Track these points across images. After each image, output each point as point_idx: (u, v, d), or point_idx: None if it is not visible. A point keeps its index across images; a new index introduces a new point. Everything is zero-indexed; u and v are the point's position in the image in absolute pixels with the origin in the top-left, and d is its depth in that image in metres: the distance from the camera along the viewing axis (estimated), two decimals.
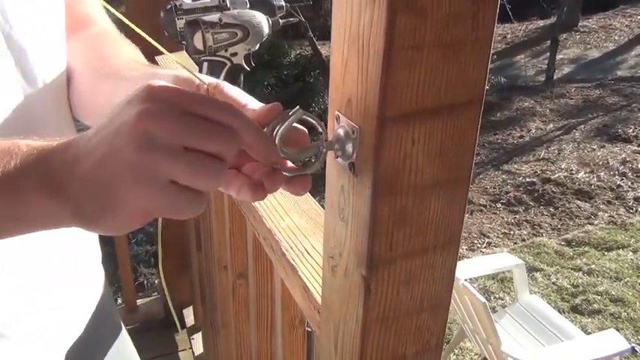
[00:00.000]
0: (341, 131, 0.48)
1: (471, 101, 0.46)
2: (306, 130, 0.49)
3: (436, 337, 0.56)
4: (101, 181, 0.40)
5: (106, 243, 1.10)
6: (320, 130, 0.49)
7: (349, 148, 0.47)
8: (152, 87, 0.41)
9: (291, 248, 0.73)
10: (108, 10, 0.73)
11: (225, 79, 0.92)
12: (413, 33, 0.40)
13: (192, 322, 2.09)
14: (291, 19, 1.07)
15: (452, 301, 2.73)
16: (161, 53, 0.65)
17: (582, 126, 7.11)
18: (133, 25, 0.62)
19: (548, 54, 9.27)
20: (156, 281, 4.48)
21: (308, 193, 0.90)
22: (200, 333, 2.02)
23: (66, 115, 0.70)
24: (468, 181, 0.49)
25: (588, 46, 10.51)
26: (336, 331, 0.57)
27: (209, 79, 0.58)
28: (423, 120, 0.44)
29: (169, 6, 0.99)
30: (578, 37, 10.97)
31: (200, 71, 1.00)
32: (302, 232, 0.77)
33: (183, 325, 2.08)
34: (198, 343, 2.02)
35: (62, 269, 0.69)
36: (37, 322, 0.66)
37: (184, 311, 2.12)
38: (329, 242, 0.55)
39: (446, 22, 0.41)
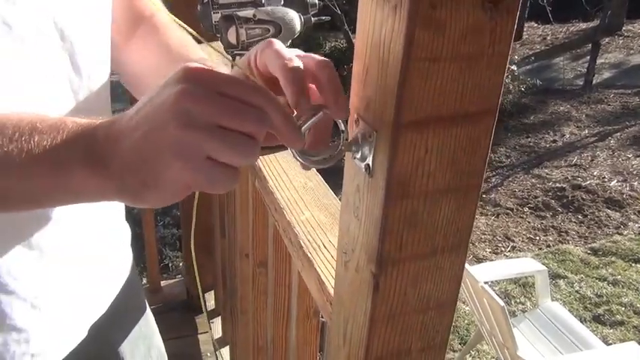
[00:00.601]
0: (359, 134, 0.50)
1: (486, 112, 0.47)
2: (331, 129, 0.53)
3: (441, 335, 0.58)
4: (143, 157, 0.44)
5: (134, 224, 1.14)
6: (342, 128, 0.51)
7: (366, 150, 0.50)
8: (189, 68, 0.44)
9: (309, 241, 0.76)
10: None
11: None
12: (430, 46, 0.42)
13: (213, 307, 2.15)
14: (323, 17, 1.09)
15: (470, 302, 2.73)
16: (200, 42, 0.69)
17: (618, 134, 6.95)
18: (175, 18, 0.65)
19: (588, 57, 9.07)
20: (180, 264, 4.57)
21: (330, 189, 0.92)
22: (220, 317, 2.07)
23: (107, 108, 0.74)
24: (478, 188, 0.51)
25: (631, 52, 10.23)
26: (346, 323, 0.59)
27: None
28: (437, 128, 0.46)
29: (206, 0, 1.03)
30: (621, 41, 10.70)
31: (232, 66, 1.03)
32: (320, 226, 0.80)
33: (203, 309, 2.13)
34: (217, 327, 2.08)
35: (93, 247, 0.73)
36: (67, 296, 0.70)
37: (206, 295, 2.18)
38: (343, 238, 0.58)
39: (463, 36, 0.43)
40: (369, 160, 0.49)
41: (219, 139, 0.43)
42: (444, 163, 0.48)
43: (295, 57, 0.51)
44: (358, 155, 0.50)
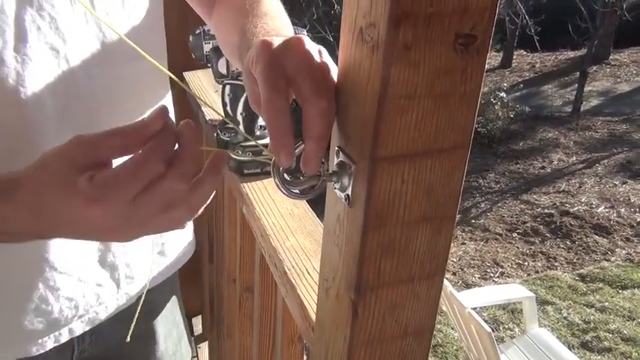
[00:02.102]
0: (339, 165, 0.53)
1: (459, 146, 0.50)
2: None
3: None
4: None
5: None
6: (322, 161, 0.54)
7: (345, 181, 0.52)
8: (85, 204, 0.45)
9: (293, 267, 0.78)
10: None
11: (245, 102, 0.98)
12: (406, 84, 0.45)
13: (200, 331, 2.14)
14: None
15: (458, 328, 2.74)
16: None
17: (606, 160, 7.05)
18: (138, 49, 0.67)
19: (576, 85, 9.22)
20: None
21: (315, 216, 0.94)
22: (207, 342, 2.07)
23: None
24: (453, 218, 0.53)
25: (618, 80, 10.43)
26: (327, 349, 0.61)
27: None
28: (412, 161, 0.49)
29: (198, 31, 1.06)
30: (608, 70, 10.90)
31: (223, 93, 1.05)
32: (305, 252, 0.82)
33: (191, 333, 2.13)
34: (204, 352, 2.07)
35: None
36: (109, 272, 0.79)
37: (193, 319, 2.17)
38: (325, 266, 0.59)
39: (437, 75, 0.45)
40: (349, 191, 0.51)
41: (157, 224, 0.48)
42: (419, 194, 0.50)
43: (281, 86, 0.48)
44: (338, 186, 0.53)
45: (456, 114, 0.48)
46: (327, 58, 0.51)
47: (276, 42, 0.50)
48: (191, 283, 2.06)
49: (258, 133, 1.01)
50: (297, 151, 0.51)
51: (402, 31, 0.43)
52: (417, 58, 0.44)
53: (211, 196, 0.51)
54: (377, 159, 0.47)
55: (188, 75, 1.59)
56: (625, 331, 3.75)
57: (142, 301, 0.79)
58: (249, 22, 0.63)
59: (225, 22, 0.74)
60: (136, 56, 0.52)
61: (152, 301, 0.88)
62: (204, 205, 0.51)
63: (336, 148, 0.53)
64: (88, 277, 0.76)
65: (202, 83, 1.50)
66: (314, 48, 0.51)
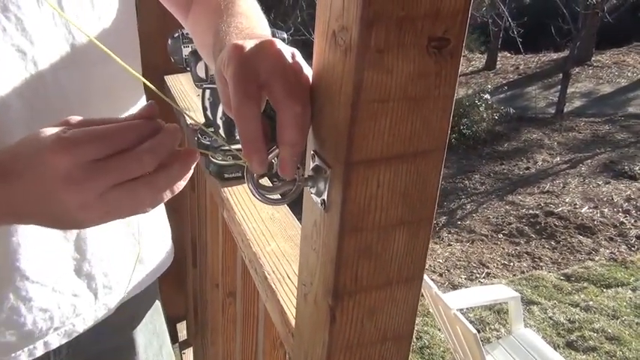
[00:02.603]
0: (315, 170, 0.52)
1: (434, 149, 0.50)
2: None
3: None
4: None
5: None
6: (298, 165, 0.53)
7: (321, 185, 0.51)
8: (53, 150, 0.45)
9: (273, 272, 0.77)
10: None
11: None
12: (379, 88, 0.44)
13: (185, 337, 2.12)
14: None
15: (444, 329, 2.74)
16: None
17: (589, 161, 7.12)
18: (109, 52, 0.66)
19: (559, 87, 9.32)
20: None
21: (296, 220, 0.94)
22: (191, 348, 2.05)
23: None
24: (430, 221, 0.53)
25: (600, 81, 10.55)
26: (306, 355, 0.60)
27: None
28: (388, 165, 0.48)
29: (177, 34, 1.05)
30: (590, 71, 11.03)
31: (203, 97, 1.05)
32: (285, 257, 0.81)
33: (175, 339, 2.11)
34: (189, 358, 2.05)
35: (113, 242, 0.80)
36: (87, 281, 0.77)
37: (178, 325, 2.15)
38: (303, 271, 0.59)
39: (410, 79, 0.45)
40: (325, 196, 0.51)
41: (116, 196, 0.46)
42: (395, 197, 0.50)
43: (252, 91, 0.48)
44: (314, 190, 0.52)
45: (430, 117, 0.48)
46: (300, 61, 0.51)
47: (248, 45, 0.50)
48: (175, 288, 2.05)
49: (238, 137, 1.00)
50: (271, 155, 0.51)
51: (374, 34, 0.43)
52: (389, 61, 0.44)
53: (178, 186, 0.50)
54: (352, 163, 0.47)
55: (169, 79, 1.57)
56: (609, 330, 3.79)
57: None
58: (223, 22, 0.63)
59: (200, 24, 0.73)
60: (106, 58, 0.51)
61: (132, 311, 0.87)
62: (171, 194, 0.50)
63: (312, 152, 0.53)
64: (63, 287, 0.73)
65: (184, 87, 1.49)
66: (287, 50, 0.50)
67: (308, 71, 0.51)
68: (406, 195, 0.50)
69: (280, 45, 0.50)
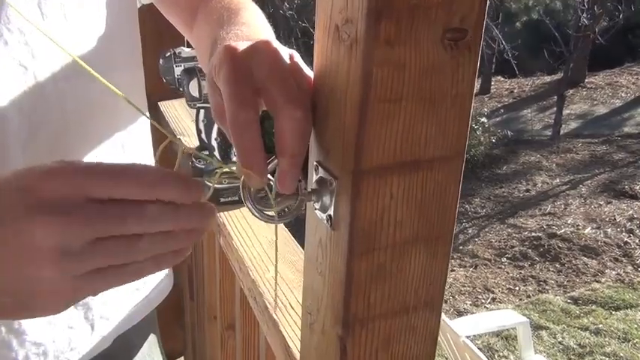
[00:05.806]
0: (319, 182, 0.47)
1: (452, 156, 0.44)
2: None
3: None
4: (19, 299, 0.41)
5: None
6: (300, 178, 0.48)
7: (327, 200, 0.46)
8: (37, 189, 0.37)
9: (274, 300, 0.71)
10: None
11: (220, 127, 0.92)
12: (390, 86, 0.40)
13: None
14: None
15: (452, 357, 2.66)
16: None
17: (589, 181, 7.10)
18: (98, 76, 0.61)
19: (554, 109, 9.36)
20: None
21: (297, 244, 0.88)
22: None
23: None
24: (450, 237, 0.48)
25: (595, 102, 10.62)
26: None
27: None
28: (401, 173, 0.43)
29: (168, 53, 1.01)
30: (584, 93, 11.11)
31: (197, 118, 1.00)
32: (287, 283, 0.75)
33: None
34: None
35: None
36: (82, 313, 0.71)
37: None
38: (307, 298, 0.53)
39: (424, 75, 0.40)
40: (331, 211, 0.45)
41: (102, 256, 0.38)
42: (411, 210, 0.44)
43: (247, 96, 0.43)
44: (318, 205, 0.47)
45: (447, 119, 0.43)
46: (299, 62, 0.46)
47: (242, 46, 0.45)
48: (172, 323, 1.97)
49: (234, 159, 0.95)
50: (270, 167, 0.45)
51: (383, 25, 0.38)
52: (401, 56, 0.39)
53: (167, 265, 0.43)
54: (361, 172, 0.41)
55: (163, 105, 1.54)
56: (621, 354, 3.69)
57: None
58: (223, 31, 0.58)
59: (203, 37, 0.69)
60: (107, 72, 0.47)
61: (129, 342, 0.82)
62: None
63: (315, 163, 0.48)
64: (58, 319, 0.69)
65: (178, 112, 1.45)
66: (284, 51, 0.45)
67: (308, 73, 0.46)
68: (422, 208, 0.45)
69: (277, 45, 0.46)
